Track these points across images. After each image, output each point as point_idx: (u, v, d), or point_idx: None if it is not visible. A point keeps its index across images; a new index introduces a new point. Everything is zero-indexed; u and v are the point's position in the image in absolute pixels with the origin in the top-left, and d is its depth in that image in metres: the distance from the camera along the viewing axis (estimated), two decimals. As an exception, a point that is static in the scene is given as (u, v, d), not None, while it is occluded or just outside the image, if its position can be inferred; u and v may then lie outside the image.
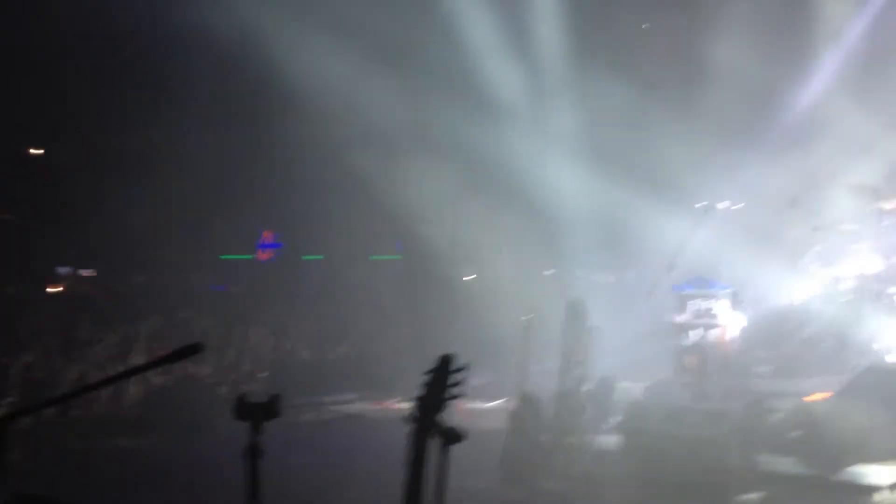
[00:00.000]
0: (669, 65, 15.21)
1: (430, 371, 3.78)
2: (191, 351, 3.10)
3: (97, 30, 15.51)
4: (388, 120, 15.23)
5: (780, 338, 12.74)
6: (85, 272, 18.81)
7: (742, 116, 14.46)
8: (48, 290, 16.64)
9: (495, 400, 11.29)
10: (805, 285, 12.80)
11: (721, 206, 11.14)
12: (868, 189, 12.20)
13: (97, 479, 7.76)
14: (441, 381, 3.75)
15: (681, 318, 11.05)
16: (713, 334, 10.96)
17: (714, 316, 11.00)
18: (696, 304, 11.04)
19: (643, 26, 16.09)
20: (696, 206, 11.01)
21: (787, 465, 8.56)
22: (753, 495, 8.11)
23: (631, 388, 10.59)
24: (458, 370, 3.77)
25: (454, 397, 3.69)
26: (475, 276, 18.24)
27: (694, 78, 14.75)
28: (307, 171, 16.78)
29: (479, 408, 10.36)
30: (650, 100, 14.76)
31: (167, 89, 16.96)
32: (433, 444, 3.66)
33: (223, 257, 20.46)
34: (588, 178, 14.91)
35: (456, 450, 3.61)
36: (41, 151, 20.49)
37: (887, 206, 12.19)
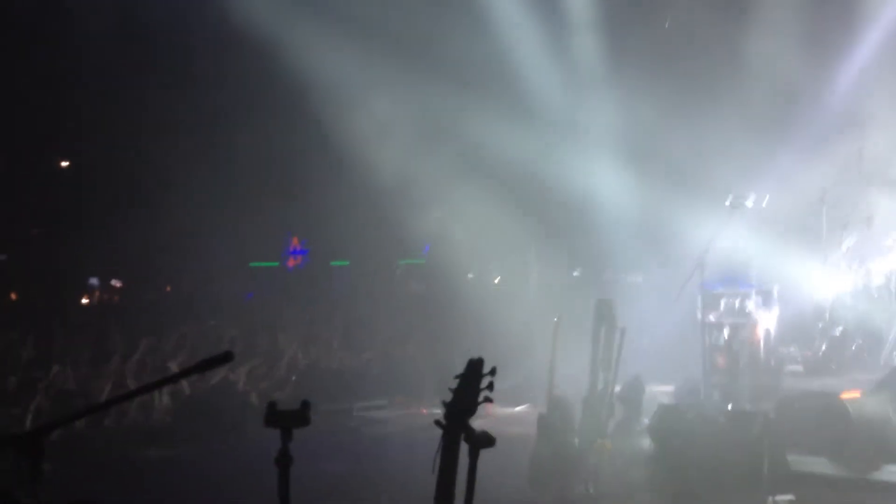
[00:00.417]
0: (699, 58, 15.09)
1: (460, 375, 3.78)
2: (221, 360, 3.12)
3: (124, 36, 15.64)
4: (415, 122, 15.24)
5: (811, 336, 12.62)
6: (115, 282, 19.01)
7: (775, 110, 14.34)
8: (80, 301, 16.82)
9: (523, 404, 11.28)
10: (836, 282, 12.66)
11: (751, 201, 11.00)
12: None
13: (130, 490, 7.81)
14: (471, 385, 3.75)
15: (711, 318, 10.95)
16: (744, 333, 10.87)
17: (745, 314, 10.91)
18: (726, 303, 10.95)
19: (666, 25, 15.97)
20: (726, 202, 10.86)
21: (820, 465, 8.47)
22: (786, 497, 8.03)
23: (661, 390, 10.52)
24: (488, 374, 3.77)
25: (485, 401, 3.69)
26: (502, 278, 18.24)
27: (724, 71, 14.64)
28: (334, 176, 16.84)
29: (506, 412, 10.33)
30: (682, 95, 14.67)
31: (196, 97, 17.10)
32: (463, 449, 3.67)
33: (252, 265, 20.60)
34: (616, 177, 14.84)
35: (485, 454, 3.61)
36: (67, 163, 20.73)
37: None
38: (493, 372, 3.79)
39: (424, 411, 11.43)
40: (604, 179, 15.31)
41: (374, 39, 14.76)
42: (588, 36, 15.45)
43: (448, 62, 14.86)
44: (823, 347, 12.42)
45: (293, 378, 12.46)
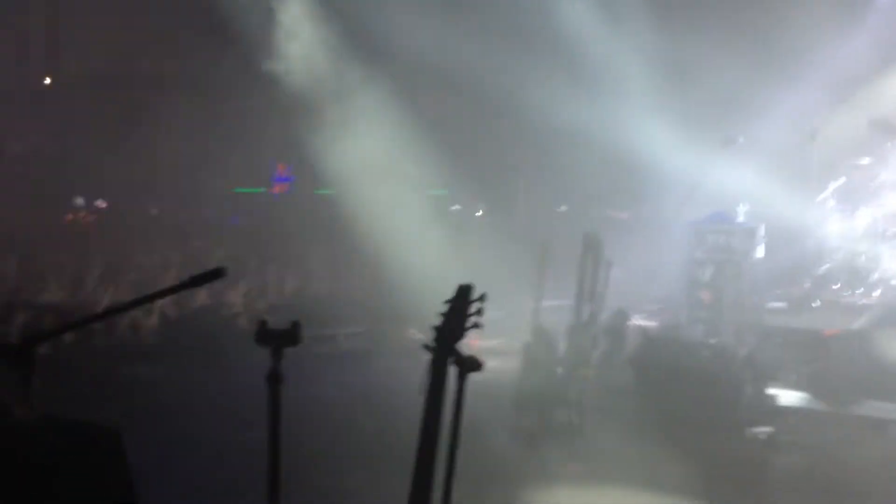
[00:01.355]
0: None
1: (449, 300, 3.80)
2: (213, 276, 3.11)
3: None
4: (404, 52, 15.02)
5: (795, 274, 12.71)
6: (100, 203, 18.90)
7: (766, 47, 14.23)
8: (64, 220, 16.73)
9: (507, 335, 11.35)
10: (822, 221, 12.72)
11: (741, 138, 10.99)
12: (889, 125, 12.05)
13: (119, 406, 7.85)
14: (460, 310, 3.77)
15: (697, 253, 11.01)
16: (729, 270, 10.93)
17: (730, 251, 10.96)
18: (712, 239, 10.99)
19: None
20: (716, 138, 10.87)
21: (800, 399, 8.60)
22: (765, 429, 8.17)
23: (645, 323, 10.61)
24: (477, 300, 3.79)
25: (473, 326, 3.71)
26: (488, 209, 18.21)
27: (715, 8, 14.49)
28: (321, 102, 16.65)
29: (492, 343, 10.40)
30: (671, 30, 14.51)
31: (184, 19, 16.80)
32: (450, 374, 3.70)
33: (237, 190, 20.48)
34: (603, 110, 14.73)
35: (470, 381, 3.65)
36: (49, 81, 20.43)
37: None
38: (482, 298, 3.80)
39: (411, 336, 11.49)
40: (593, 114, 15.19)
41: None
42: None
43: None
44: (808, 285, 12.54)
45: (279, 303, 12.50)
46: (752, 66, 14.28)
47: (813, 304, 12.03)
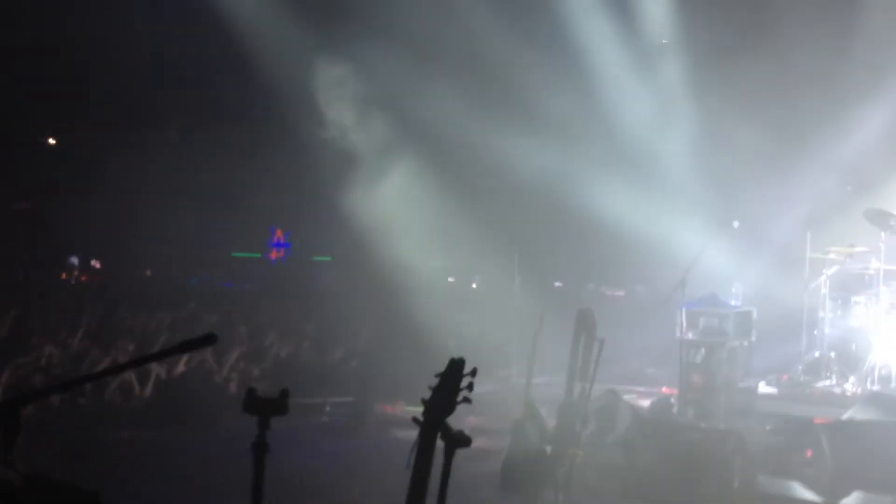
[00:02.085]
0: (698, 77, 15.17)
1: (441, 374, 3.79)
2: (204, 342, 3.11)
3: (115, 21, 15.50)
4: (396, 116, 15.19)
5: (787, 360, 12.71)
6: (95, 263, 18.93)
7: (765, 133, 14.44)
8: (59, 278, 16.72)
9: (497, 409, 11.28)
10: (815, 308, 12.77)
11: (737, 223, 11.08)
12: (884, 214, 12.17)
13: (103, 468, 7.77)
14: (451, 384, 3.76)
15: (689, 335, 11.00)
16: (721, 353, 10.92)
17: (723, 334, 10.96)
18: (705, 322, 11.00)
19: (663, 41, 16.04)
20: (712, 222, 10.98)
21: (790, 487, 8.51)
22: (755, 516, 8.08)
23: (636, 403, 10.56)
24: (468, 374, 3.78)
25: (464, 401, 3.70)
26: (484, 283, 18.22)
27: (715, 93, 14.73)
28: (321, 170, 16.79)
29: (481, 417, 10.33)
30: (675, 113, 14.74)
31: (182, 85, 17.01)
32: (438, 448, 3.67)
33: (234, 255, 20.55)
34: (601, 189, 14.87)
35: (457, 457, 3.62)
36: (54, 142, 20.63)
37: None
38: (473, 373, 3.80)
39: (399, 410, 11.41)
40: (589, 191, 15.33)
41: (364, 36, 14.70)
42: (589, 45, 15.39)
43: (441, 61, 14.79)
44: (799, 371, 12.52)
45: (269, 369, 12.43)
46: (750, 151, 14.47)
47: (805, 392, 12.03)
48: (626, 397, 10.51)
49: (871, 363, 11.83)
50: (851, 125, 14.06)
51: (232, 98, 16.68)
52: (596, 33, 15.08)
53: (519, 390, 9.07)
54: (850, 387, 11.93)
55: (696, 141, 14.82)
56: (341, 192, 15.30)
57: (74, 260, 18.16)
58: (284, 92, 15.55)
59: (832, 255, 12.50)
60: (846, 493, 8.22)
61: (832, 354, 12.44)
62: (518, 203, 15.92)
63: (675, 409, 10.73)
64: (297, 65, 14.99)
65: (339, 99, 15.18)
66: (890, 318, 11.85)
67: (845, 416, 9.83)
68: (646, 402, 11.21)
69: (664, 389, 11.86)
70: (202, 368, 11.19)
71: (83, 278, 17.38)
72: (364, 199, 14.89)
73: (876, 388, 11.42)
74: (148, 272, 19.58)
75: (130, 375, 10.11)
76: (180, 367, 11.09)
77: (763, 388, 12.19)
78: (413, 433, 3.65)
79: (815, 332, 12.67)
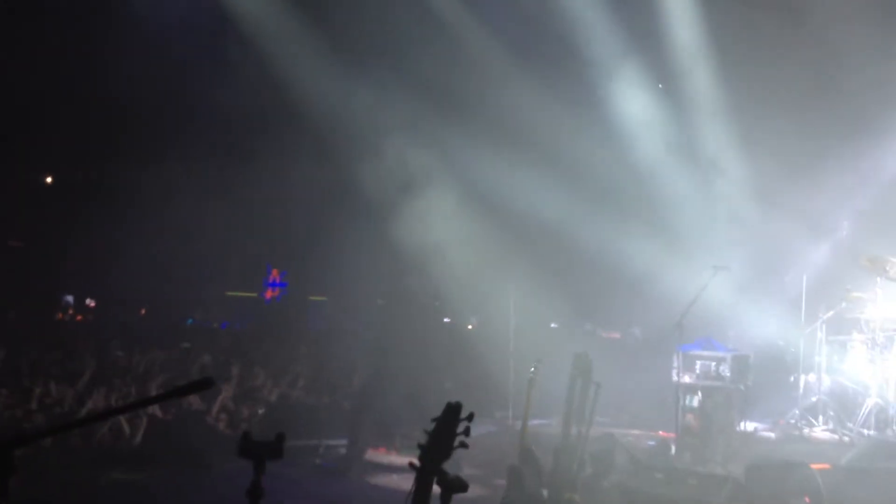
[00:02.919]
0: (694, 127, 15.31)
1: (437, 419, 3.77)
2: (201, 386, 3.09)
3: (114, 62, 15.59)
4: (396, 156, 15.24)
5: (784, 404, 12.66)
6: (89, 301, 18.88)
7: (760, 176, 14.53)
8: (54, 317, 16.65)
9: (493, 452, 11.21)
10: (811, 352, 12.74)
11: (734, 266, 11.12)
12: (878, 260, 12.20)
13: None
14: (447, 429, 3.73)
15: (686, 379, 10.97)
16: (717, 397, 10.88)
17: (720, 378, 10.92)
18: (701, 365, 10.96)
19: (659, 86, 16.19)
20: (710, 265, 10.99)
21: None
22: (753, 563, 8.00)
23: (633, 447, 10.49)
24: (465, 419, 3.76)
25: (461, 446, 3.67)
26: (481, 323, 18.19)
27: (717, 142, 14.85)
28: (316, 210, 16.83)
29: (476, 461, 10.25)
30: (670, 156, 14.82)
31: (180, 124, 17.09)
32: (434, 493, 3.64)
33: (230, 294, 20.51)
34: (599, 231, 14.90)
35: (454, 502, 3.59)
36: (50, 180, 20.67)
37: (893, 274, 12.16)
38: (470, 417, 3.77)
39: (394, 453, 11.32)
40: (588, 234, 15.36)
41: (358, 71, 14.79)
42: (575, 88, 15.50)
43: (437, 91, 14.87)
44: (796, 416, 12.47)
45: (262, 411, 12.34)
46: (746, 197, 14.55)
47: (802, 436, 11.97)
48: (623, 441, 10.44)
49: (867, 409, 11.79)
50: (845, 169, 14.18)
51: (229, 140, 16.78)
52: (607, 81, 15.25)
53: (515, 433, 9.01)
54: (848, 432, 11.87)
55: (693, 186, 14.89)
56: (338, 233, 15.32)
57: (69, 298, 18.10)
58: (278, 134, 15.64)
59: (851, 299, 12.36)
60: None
61: (829, 399, 12.39)
62: (515, 244, 15.92)
63: (671, 453, 10.66)
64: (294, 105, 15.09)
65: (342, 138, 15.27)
66: (886, 363, 11.81)
67: (842, 461, 9.77)
68: (643, 446, 11.13)
69: (661, 433, 11.80)
70: (193, 409, 11.10)
71: (78, 317, 17.29)
72: (362, 239, 14.91)
73: (872, 433, 11.37)
74: (143, 311, 19.51)
75: (121, 416, 10.01)
76: (172, 408, 11.00)
77: (760, 432, 12.13)
78: (409, 477, 3.62)
79: (812, 377, 12.63)
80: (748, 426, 11.93)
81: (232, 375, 12.59)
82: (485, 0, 15.09)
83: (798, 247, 13.83)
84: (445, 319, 18.70)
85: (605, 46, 15.12)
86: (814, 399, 12.46)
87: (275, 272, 21.84)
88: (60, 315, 17.12)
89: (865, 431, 11.54)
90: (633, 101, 15.50)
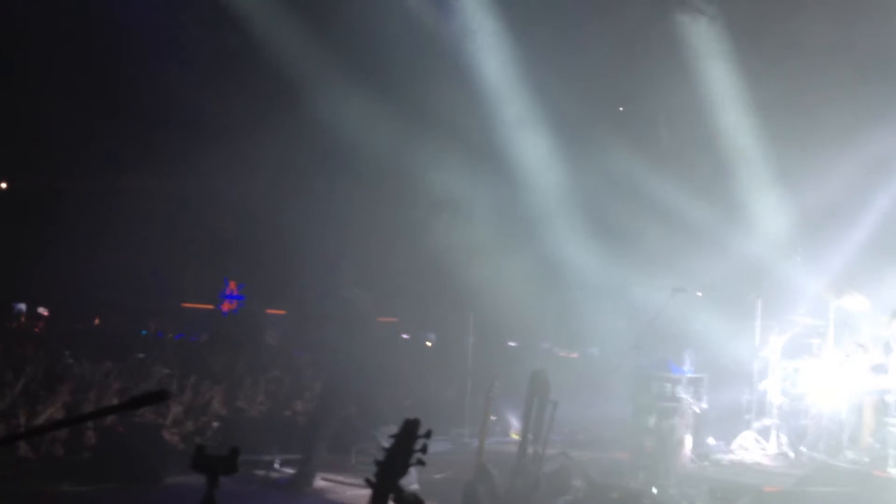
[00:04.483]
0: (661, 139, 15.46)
1: (394, 435, 3.76)
2: (155, 398, 3.04)
3: (72, 62, 15.37)
4: (356, 163, 15.22)
5: (737, 426, 12.77)
6: (42, 310, 18.57)
7: (720, 197, 14.72)
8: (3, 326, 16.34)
9: (449, 470, 11.19)
10: (765, 375, 12.88)
11: (689, 288, 11.24)
12: (834, 286, 12.40)
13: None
14: (405, 446, 3.72)
15: (641, 400, 11.04)
16: (672, 418, 10.95)
17: (675, 399, 11.00)
18: (657, 386, 11.04)
19: (620, 109, 16.36)
20: (667, 287, 11.11)
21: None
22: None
23: (588, 467, 10.51)
24: (423, 436, 3.75)
25: (418, 463, 3.66)
26: (439, 340, 18.19)
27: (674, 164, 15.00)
28: (275, 222, 16.73)
29: (432, 478, 10.22)
30: (632, 183, 14.94)
31: (139, 129, 16.89)
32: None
33: (185, 305, 20.29)
34: (557, 250, 14.98)
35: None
36: (4, 186, 20.36)
37: (848, 302, 12.36)
38: (428, 434, 3.76)
39: (351, 469, 11.24)
40: (545, 253, 15.43)
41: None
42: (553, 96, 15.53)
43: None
44: (749, 439, 12.57)
45: (216, 424, 12.20)
46: (702, 221, 14.71)
47: (754, 459, 12.06)
48: (579, 460, 10.47)
49: (818, 432, 11.93)
50: (799, 196, 14.41)
51: (187, 149, 16.61)
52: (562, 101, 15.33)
53: (472, 450, 9.00)
54: (798, 456, 12.01)
55: (650, 211, 15.02)
56: (296, 244, 15.23)
57: (21, 306, 17.79)
58: (239, 142, 15.56)
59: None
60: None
61: (781, 422, 12.53)
62: (473, 261, 15.96)
63: (626, 473, 10.71)
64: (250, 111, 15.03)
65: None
66: (838, 386, 11.96)
67: (794, 484, 9.87)
68: (598, 466, 11.17)
69: (616, 453, 11.84)
70: (145, 421, 10.94)
71: (35, 329, 17.00)
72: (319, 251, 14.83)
73: (823, 457, 11.50)
74: (97, 321, 19.22)
75: (71, 428, 9.84)
76: (123, 419, 10.83)
77: (714, 454, 12.22)
78: (365, 494, 3.60)
79: (767, 399, 12.76)
80: (702, 448, 12.01)
81: (186, 388, 12.44)
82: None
83: (751, 271, 13.99)
84: (404, 336, 18.67)
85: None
86: (767, 422, 12.58)
87: (232, 284, 21.65)
88: (11, 324, 16.80)
89: (816, 455, 11.67)
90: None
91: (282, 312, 20.17)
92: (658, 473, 10.55)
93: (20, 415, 10.05)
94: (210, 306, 21.56)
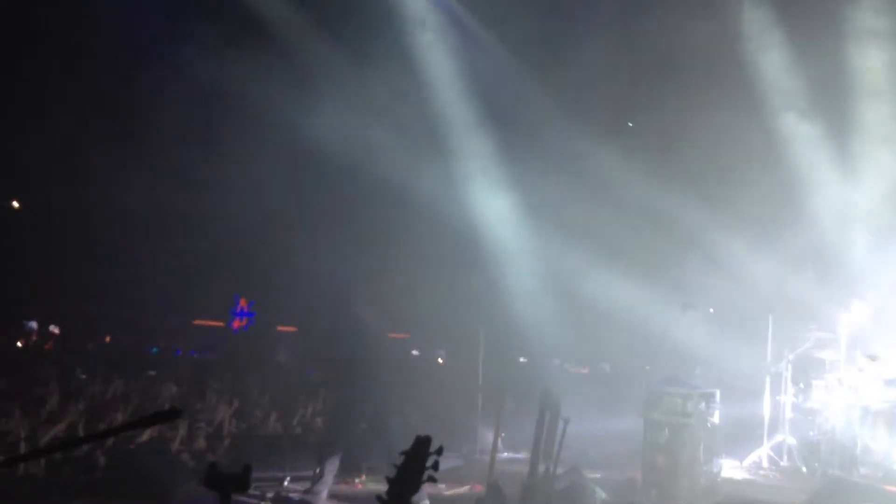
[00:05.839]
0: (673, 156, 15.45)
1: (406, 452, 3.75)
2: (168, 416, 3.05)
3: (84, 82, 15.48)
4: (364, 184, 15.26)
5: (750, 443, 12.71)
6: (53, 328, 18.62)
7: (730, 215, 14.70)
8: (15, 344, 16.39)
9: (462, 486, 11.16)
10: (777, 391, 12.83)
11: (703, 304, 11.23)
12: (843, 302, 12.37)
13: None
14: (416, 462, 3.72)
15: (653, 415, 10.98)
16: (684, 434, 10.88)
17: (686, 415, 10.94)
18: (668, 402, 10.99)
19: (629, 124, 16.38)
20: (679, 302, 11.09)
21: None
22: None
23: (599, 483, 10.46)
24: (434, 453, 3.75)
25: (429, 480, 3.66)
26: (451, 357, 18.16)
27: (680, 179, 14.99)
28: (287, 240, 16.77)
29: (443, 494, 10.19)
30: (643, 203, 14.95)
31: (145, 148, 16.98)
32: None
33: (196, 322, 20.32)
34: (568, 267, 14.96)
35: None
36: (17, 205, 20.45)
37: (857, 315, 12.32)
38: (439, 451, 3.76)
39: (359, 485, 11.22)
40: (557, 270, 15.42)
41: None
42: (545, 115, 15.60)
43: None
44: (762, 455, 12.51)
45: (227, 441, 12.20)
46: (716, 232, 14.68)
47: (768, 475, 12.00)
48: (590, 477, 10.43)
49: (831, 447, 11.86)
50: (813, 213, 14.39)
51: (197, 166, 16.68)
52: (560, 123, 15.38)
53: (483, 466, 8.97)
54: (811, 471, 11.94)
55: (662, 229, 15.01)
56: (306, 262, 15.27)
57: (33, 325, 17.84)
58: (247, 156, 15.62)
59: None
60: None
61: (794, 438, 12.46)
62: (485, 277, 15.97)
63: (638, 490, 10.65)
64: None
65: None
66: (850, 403, 11.90)
67: (806, 500, 9.81)
68: (610, 483, 11.11)
69: (628, 470, 11.79)
70: (156, 439, 10.93)
71: (46, 346, 17.04)
72: (331, 268, 14.87)
73: (836, 472, 11.43)
74: (108, 338, 19.27)
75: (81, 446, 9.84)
76: (134, 437, 10.83)
77: (726, 470, 12.16)
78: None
79: (778, 415, 12.71)
80: (715, 464, 11.95)
81: (198, 405, 12.45)
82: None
83: (765, 286, 13.97)
84: (414, 352, 18.67)
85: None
86: (779, 438, 12.52)
87: (242, 301, 21.69)
88: (23, 341, 16.85)
89: (829, 471, 11.60)
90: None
91: (292, 329, 20.19)
92: (670, 490, 10.50)
93: (32, 433, 10.08)
94: (221, 323, 21.60)
